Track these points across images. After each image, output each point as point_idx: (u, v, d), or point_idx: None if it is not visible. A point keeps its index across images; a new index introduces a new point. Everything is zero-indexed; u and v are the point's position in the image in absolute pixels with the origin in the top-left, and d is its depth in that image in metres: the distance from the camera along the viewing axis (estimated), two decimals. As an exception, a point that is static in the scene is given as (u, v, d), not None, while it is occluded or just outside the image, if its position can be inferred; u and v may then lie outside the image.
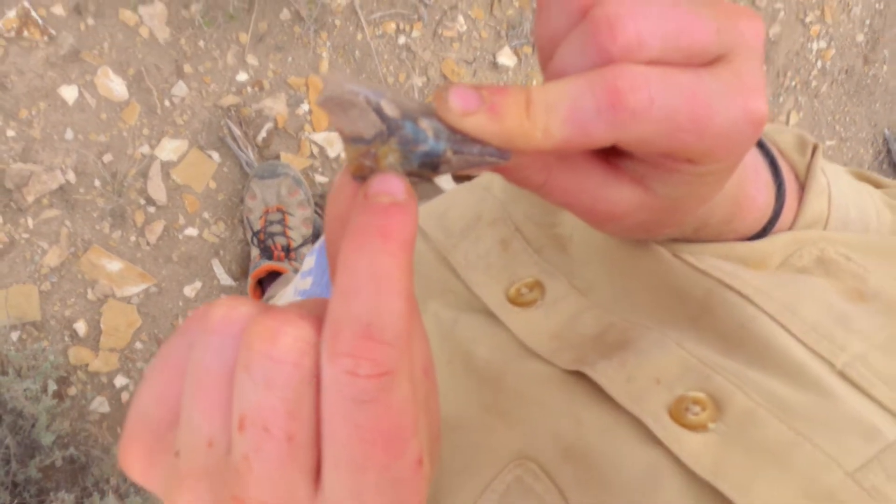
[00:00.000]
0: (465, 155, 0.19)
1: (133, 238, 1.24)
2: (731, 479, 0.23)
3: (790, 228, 0.31)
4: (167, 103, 1.24)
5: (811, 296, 0.27)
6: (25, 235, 1.19)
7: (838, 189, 0.32)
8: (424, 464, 0.19)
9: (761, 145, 0.31)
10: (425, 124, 0.19)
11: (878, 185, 0.36)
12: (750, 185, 0.28)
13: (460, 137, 0.19)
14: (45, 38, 1.17)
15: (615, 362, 0.27)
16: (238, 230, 1.31)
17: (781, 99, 1.77)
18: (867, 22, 1.86)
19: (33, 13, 1.15)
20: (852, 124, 1.90)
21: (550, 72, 0.20)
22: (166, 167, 1.25)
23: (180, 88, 1.25)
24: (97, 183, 1.22)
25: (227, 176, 1.29)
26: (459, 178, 0.52)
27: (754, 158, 0.29)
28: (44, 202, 1.19)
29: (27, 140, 1.17)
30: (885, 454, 0.22)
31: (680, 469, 0.24)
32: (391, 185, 0.18)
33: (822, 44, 1.79)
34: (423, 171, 0.19)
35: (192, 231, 1.28)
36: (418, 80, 1.39)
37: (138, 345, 1.26)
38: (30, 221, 1.19)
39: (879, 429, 0.23)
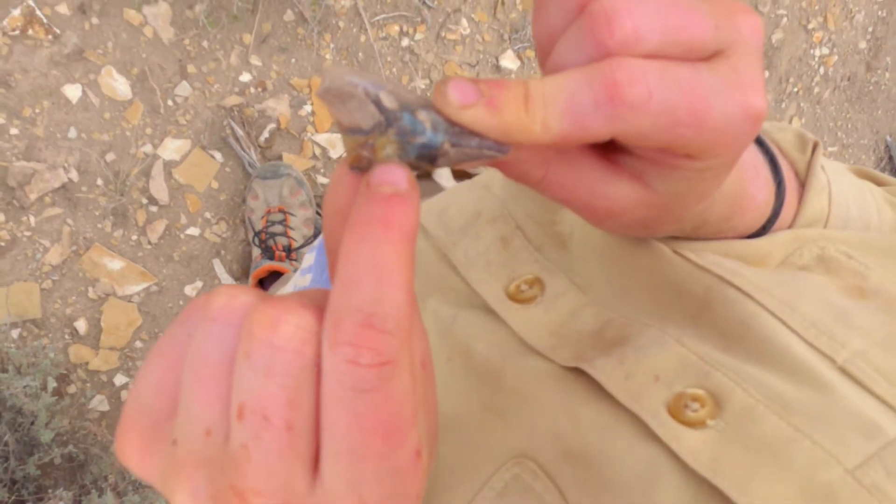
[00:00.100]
0: (463, 148, 0.19)
1: (135, 237, 1.25)
2: (730, 476, 0.23)
3: (790, 226, 0.31)
4: (170, 103, 1.25)
5: (811, 293, 0.27)
6: (27, 233, 1.19)
7: (839, 187, 0.32)
8: (423, 456, 0.19)
9: (761, 143, 0.31)
10: (423, 116, 0.19)
11: (879, 183, 0.36)
12: (749, 182, 0.28)
13: (458, 130, 0.19)
14: (50, 36, 1.17)
15: (614, 359, 0.27)
16: (239, 230, 1.31)
17: (784, 105, 1.77)
18: (870, 29, 1.86)
19: (38, 12, 1.16)
20: (854, 131, 1.90)
21: (548, 67, 0.20)
22: (169, 167, 1.25)
23: (184, 88, 1.25)
24: (100, 182, 1.22)
25: (230, 176, 1.29)
26: (459, 176, 0.52)
27: (753, 156, 0.29)
28: (46, 200, 1.19)
29: (30, 138, 1.18)
30: (886, 451, 0.22)
31: (678, 466, 0.24)
32: (393, 175, 0.18)
33: (825, 50, 1.80)
34: (421, 163, 0.20)
35: (193, 230, 1.28)
36: (421, 83, 1.39)
37: (138, 344, 1.26)
38: (32, 219, 1.19)
39: (880, 426, 0.23)
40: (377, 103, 0.19)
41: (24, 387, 1.02)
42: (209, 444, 0.18)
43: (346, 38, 1.34)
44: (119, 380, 1.24)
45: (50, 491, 1.03)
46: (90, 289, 1.22)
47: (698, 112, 0.19)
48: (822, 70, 1.80)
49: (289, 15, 1.30)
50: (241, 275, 1.31)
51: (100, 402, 1.22)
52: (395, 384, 0.17)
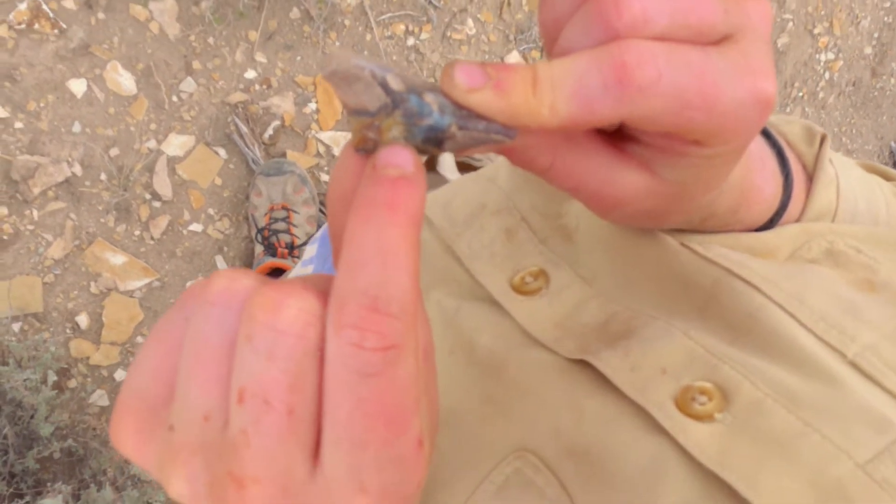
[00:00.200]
0: (471, 131, 0.19)
1: (137, 232, 1.25)
2: (738, 469, 0.22)
3: (798, 220, 0.30)
4: (175, 99, 1.25)
5: (820, 285, 0.26)
6: (30, 227, 1.19)
7: (847, 180, 0.31)
8: (425, 446, 0.19)
9: (768, 136, 0.30)
10: (430, 98, 0.19)
11: (887, 178, 0.36)
12: (756, 174, 0.28)
13: (465, 113, 0.19)
14: (56, 31, 1.17)
15: (619, 351, 0.26)
16: (242, 227, 1.31)
17: (788, 109, 1.77)
18: (875, 35, 1.86)
19: (44, 6, 1.16)
20: (858, 136, 1.89)
21: (556, 52, 0.20)
22: (172, 162, 1.25)
23: (188, 84, 1.25)
24: (103, 176, 1.22)
25: (233, 173, 1.29)
26: (464, 169, 0.52)
27: (761, 149, 0.29)
28: (49, 194, 1.19)
29: (35, 132, 1.18)
30: None
31: (685, 460, 0.24)
32: (400, 158, 0.18)
33: (830, 55, 1.79)
34: (428, 146, 0.19)
35: (196, 227, 1.28)
36: (426, 82, 1.39)
37: (140, 339, 1.26)
38: (35, 213, 1.19)
39: (891, 420, 0.22)
40: (384, 85, 0.19)
41: (25, 380, 1.02)
42: (207, 430, 0.18)
43: (352, 37, 1.34)
44: (120, 375, 1.24)
45: (49, 485, 1.03)
46: (92, 283, 1.22)
47: (708, 95, 0.18)
48: (827, 75, 1.80)
49: (295, 13, 1.30)
50: (244, 272, 1.31)
51: (100, 397, 1.22)
52: (400, 369, 0.17)
